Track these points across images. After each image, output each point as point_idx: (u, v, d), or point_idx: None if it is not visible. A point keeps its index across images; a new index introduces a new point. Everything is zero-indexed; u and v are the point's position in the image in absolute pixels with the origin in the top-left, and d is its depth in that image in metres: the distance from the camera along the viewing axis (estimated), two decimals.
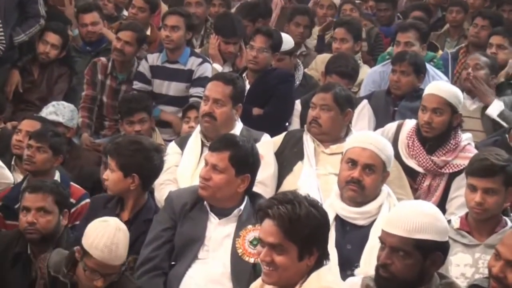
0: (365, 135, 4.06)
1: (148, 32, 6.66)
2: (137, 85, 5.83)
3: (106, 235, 3.54)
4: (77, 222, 4.38)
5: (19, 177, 4.88)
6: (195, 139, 4.51)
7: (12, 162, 5.05)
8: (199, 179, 3.78)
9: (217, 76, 4.74)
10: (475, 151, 4.38)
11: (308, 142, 4.47)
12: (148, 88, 5.82)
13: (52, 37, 6.19)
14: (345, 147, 3.96)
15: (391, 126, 4.70)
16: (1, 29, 6.17)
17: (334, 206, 3.80)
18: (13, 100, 6.24)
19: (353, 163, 3.81)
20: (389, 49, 6.39)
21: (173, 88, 5.80)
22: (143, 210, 4.06)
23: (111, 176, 4.04)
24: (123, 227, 3.64)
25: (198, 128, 4.57)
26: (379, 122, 5.08)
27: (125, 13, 7.56)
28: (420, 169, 4.48)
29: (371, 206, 3.79)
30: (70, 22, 6.78)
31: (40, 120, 5.14)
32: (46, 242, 4.01)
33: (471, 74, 5.45)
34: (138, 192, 4.05)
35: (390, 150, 3.91)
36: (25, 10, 6.46)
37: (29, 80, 6.26)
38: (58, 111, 5.40)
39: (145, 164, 4.03)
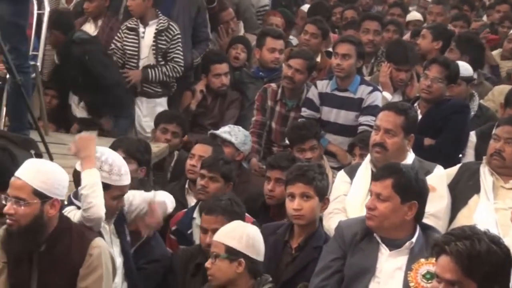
0: None
1: (318, 59, 6.68)
2: (305, 112, 5.84)
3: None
4: None
5: (193, 201, 4.97)
6: (365, 169, 4.45)
7: (186, 186, 5.18)
8: (366, 209, 3.73)
9: (389, 106, 4.68)
10: None
11: (486, 175, 4.35)
12: (316, 115, 5.80)
13: (220, 68, 6.41)
14: None
15: None
16: (181, 52, 6.45)
17: None
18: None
19: None
20: None
21: (342, 116, 5.76)
22: (313, 236, 4.05)
23: (306, 204, 4.03)
24: (254, 229, 3.83)
25: (368, 157, 4.51)
26: None
27: (291, 37, 7.66)
28: None
29: None
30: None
31: (212, 145, 5.24)
32: None
33: None
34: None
35: None
36: (196, 34, 6.69)
37: (203, 105, 6.46)
38: (232, 131, 5.50)
39: None
